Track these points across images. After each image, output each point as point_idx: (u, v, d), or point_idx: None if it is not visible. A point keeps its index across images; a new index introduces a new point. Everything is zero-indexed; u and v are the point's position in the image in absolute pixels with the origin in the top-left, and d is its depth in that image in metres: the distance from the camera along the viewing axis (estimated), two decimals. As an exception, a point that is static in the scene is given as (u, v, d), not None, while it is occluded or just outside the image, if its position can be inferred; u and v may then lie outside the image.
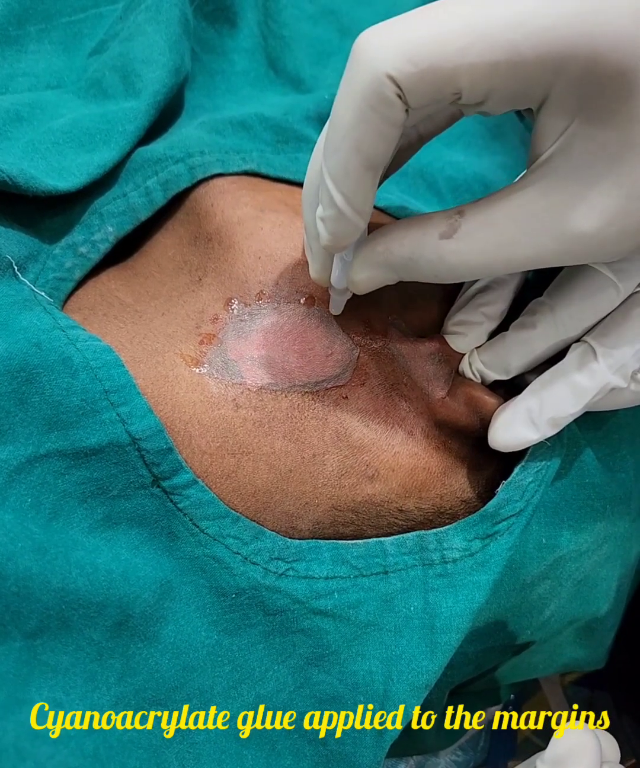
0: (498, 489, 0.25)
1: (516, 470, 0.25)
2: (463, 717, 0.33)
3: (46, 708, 0.18)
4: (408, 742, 0.33)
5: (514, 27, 0.15)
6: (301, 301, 0.25)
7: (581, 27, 0.15)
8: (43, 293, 0.24)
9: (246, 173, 0.29)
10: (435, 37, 0.15)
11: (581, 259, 0.19)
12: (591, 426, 0.27)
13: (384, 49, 0.15)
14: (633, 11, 0.15)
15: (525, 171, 0.18)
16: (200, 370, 0.23)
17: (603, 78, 0.15)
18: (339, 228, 0.18)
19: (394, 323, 0.26)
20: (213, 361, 0.24)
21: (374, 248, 0.20)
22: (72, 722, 0.18)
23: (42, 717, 0.18)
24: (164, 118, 0.30)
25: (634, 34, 0.15)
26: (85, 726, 0.18)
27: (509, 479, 0.25)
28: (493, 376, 0.25)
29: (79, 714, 0.18)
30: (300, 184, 0.30)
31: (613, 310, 0.24)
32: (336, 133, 0.17)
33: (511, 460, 0.26)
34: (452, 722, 0.33)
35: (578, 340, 0.24)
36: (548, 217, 0.17)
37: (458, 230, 0.18)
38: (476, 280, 0.26)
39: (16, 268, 0.24)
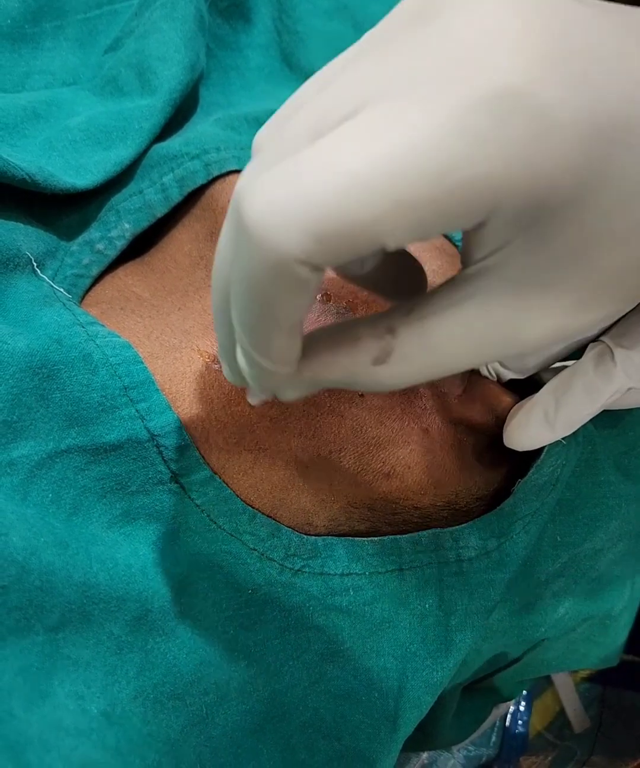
0: (514, 487, 0.25)
1: (532, 469, 0.25)
2: (476, 711, 0.33)
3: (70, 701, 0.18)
4: (421, 737, 0.33)
5: (435, 181, 0.12)
6: (318, 297, 0.25)
7: (520, 168, 0.12)
8: (61, 289, 0.24)
9: None
10: (340, 209, 0.12)
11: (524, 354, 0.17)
12: (607, 424, 0.27)
13: (282, 229, 0.12)
14: (577, 139, 0.12)
15: (460, 272, 0.16)
16: (217, 366, 0.24)
17: (544, 208, 0.13)
18: (269, 382, 0.17)
19: None
20: None
21: (300, 373, 0.17)
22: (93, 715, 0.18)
23: (65, 710, 0.18)
24: (180, 114, 0.30)
25: (579, 160, 0.12)
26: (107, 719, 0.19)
27: (525, 478, 0.25)
28: (509, 374, 0.25)
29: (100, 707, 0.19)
30: None
31: (630, 311, 0.23)
32: (247, 313, 0.14)
33: (526, 457, 0.26)
34: (464, 716, 0.33)
35: (595, 340, 0.24)
36: (493, 333, 0.15)
37: (392, 354, 0.16)
38: None
39: (35, 264, 0.24)
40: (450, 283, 0.16)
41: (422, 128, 0.12)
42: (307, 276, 0.13)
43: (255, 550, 0.23)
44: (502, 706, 0.42)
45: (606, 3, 0.14)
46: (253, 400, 0.21)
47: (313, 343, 0.17)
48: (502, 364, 0.25)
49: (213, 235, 0.27)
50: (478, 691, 0.35)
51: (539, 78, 0.12)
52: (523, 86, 0.12)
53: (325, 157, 0.12)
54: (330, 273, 0.25)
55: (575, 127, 0.12)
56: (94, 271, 0.27)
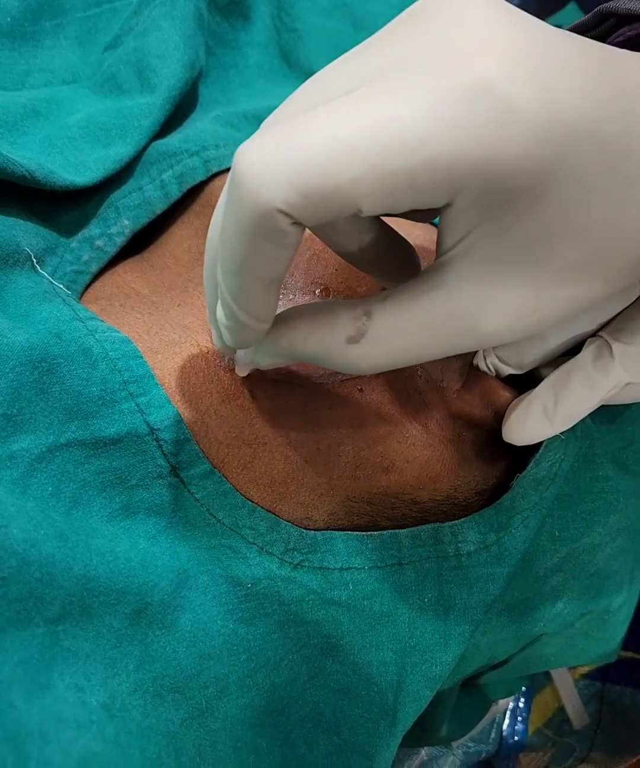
0: (513, 482, 0.25)
1: (530, 464, 0.25)
2: (474, 706, 0.33)
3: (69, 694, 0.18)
4: (420, 732, 0.33)
5: (409, 153, 0.13)
6: (317, 292, 0.25)
7: (481, 151, 0.13)
8: (61, 286, 0.24)
9: None
10: (323, 167, 0.13)
11: (494, 346, 0.20)
12: (605, 419, 0.27)
13: (269, 180, 0.14)
14: (537, 133, 0.14)
15: (434, 261, 0.17)
16: (217, 361, 0.24)
17: (505, 194, 0.14)
18: (244, 337, 0.18)
19: None
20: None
21: (277, 341, 0.18)
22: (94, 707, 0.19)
23: (65, 702, 0.18)
24: (179, 112, 0.31)
25: (537, 153, 0.14)
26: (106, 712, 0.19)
27: (523, 473, 0.25)
28: (507, 369, 0.25)
29: (100, 700, 0.19)
30: None
31: (628, 306, 0.24)
32: (231, 259, 0.16)
33: (525, 452, 0.26)
34: (463, 712, 0.33)
35: (593, 335, 0.24)
36: (458, 321, 0.16)
37: (366, 335, 0.17)
38: None
39: (35, 260, 0.24)
40: (423, 273, 0.17)
41: (403, 107, 0.13)
42: (287, 228, 0.14)
43: (254, 544, 0.23)
44: (501, 703, 0.43)
45: (585, 38, 0.15)
46: (239, 371, 0.22)
47: (295, 315, 0.18)
48: (500, 359, 0.25)
49: None
50: (476, 687, 0.35)
51: (508, 75, 0.13)
52: (493, 80, 0.13)
53: (316, 122, 0.14)
54: (330, 269, 0.25)
55: (534, 123, 0.14)
56: (94, 267, 0.27)
